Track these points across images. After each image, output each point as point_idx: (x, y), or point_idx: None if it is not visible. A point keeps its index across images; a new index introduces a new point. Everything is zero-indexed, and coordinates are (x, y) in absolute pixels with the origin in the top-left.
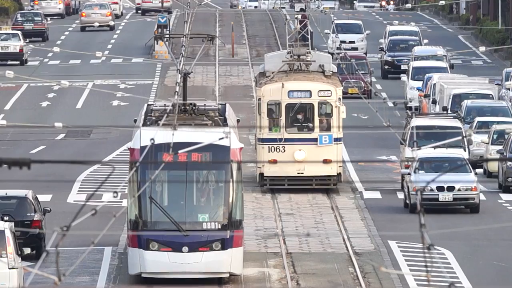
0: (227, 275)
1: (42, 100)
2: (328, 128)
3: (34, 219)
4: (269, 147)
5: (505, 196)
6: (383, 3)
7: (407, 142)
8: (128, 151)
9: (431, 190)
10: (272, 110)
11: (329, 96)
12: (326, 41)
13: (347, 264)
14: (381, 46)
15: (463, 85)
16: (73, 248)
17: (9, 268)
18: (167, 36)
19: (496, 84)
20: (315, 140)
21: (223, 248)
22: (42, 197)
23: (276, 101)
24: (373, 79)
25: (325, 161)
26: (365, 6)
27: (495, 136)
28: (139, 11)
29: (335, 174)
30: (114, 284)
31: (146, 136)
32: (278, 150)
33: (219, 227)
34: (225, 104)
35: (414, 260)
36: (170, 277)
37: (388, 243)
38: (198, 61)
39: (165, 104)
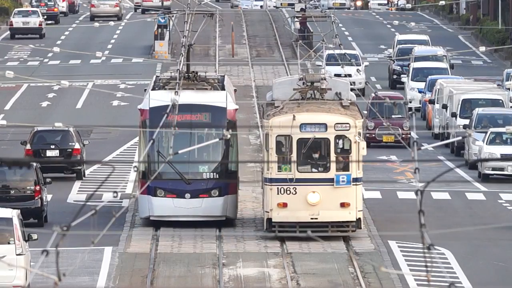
0: (224, 218)
1: (42, 100)
2: (346, 167)
3: (75, 147)
4: (278, 188)
5: (505, 196)
6: None
7: None
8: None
9: None
10: (281, 146)
11: (348, 130)
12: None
13: (347, 264)
14: (389, 55)
15: (472, 90)
16: (73, 248)
17: (17, 255)
18: (173, 14)
19: (497, 85)
20: (331, 180)
21: (220, 195)
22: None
23: (287, 136)
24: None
25: (343, 205)
26: (379, 4)
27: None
28: (138, 10)
29: (354, 219)
30: (114, 284)
31: (155, 98)
32: (288, 192)
33: (217, 177)
34: (223, 75)
35: (414, 260)
36: (175, 220)
37: (388, 243)
38: (198, 61)
39: (171, 73)
